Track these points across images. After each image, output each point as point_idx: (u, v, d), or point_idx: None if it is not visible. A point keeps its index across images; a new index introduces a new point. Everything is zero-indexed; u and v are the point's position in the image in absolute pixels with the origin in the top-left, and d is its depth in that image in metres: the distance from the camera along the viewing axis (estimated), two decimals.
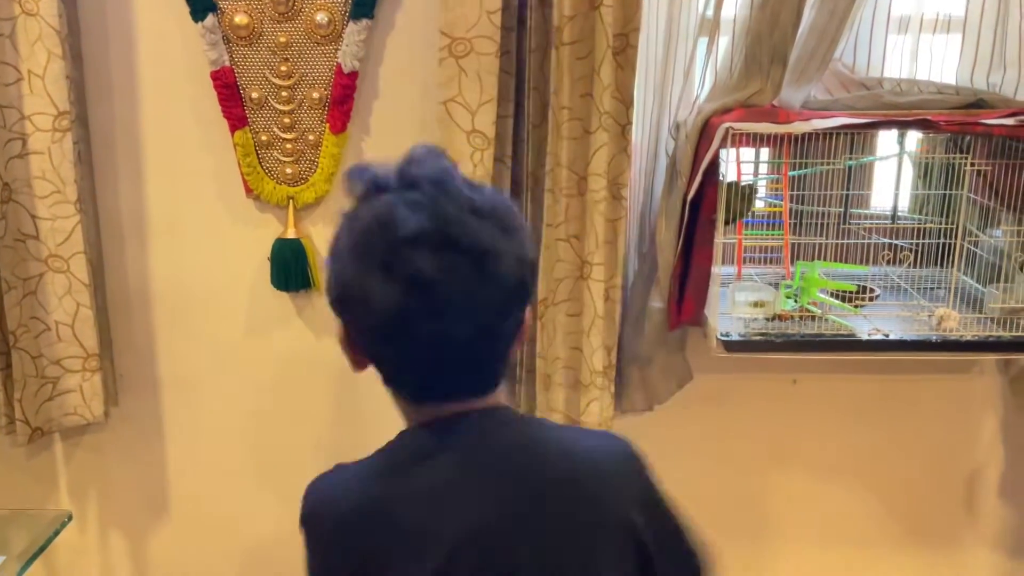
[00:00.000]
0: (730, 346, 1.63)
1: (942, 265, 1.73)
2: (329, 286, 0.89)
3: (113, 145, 1.80)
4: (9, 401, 1.80)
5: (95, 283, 1.78)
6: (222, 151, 1.78)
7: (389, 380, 0.90)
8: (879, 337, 1.64)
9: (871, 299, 1.73)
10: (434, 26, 1.65)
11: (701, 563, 0.98)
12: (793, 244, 1.73)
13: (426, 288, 0.80)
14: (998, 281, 1.69)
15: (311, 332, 1.90)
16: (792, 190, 1.73)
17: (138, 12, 1.74)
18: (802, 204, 1.77)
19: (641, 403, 1.86)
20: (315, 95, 1.73)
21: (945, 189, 1.75)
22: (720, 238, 1.62)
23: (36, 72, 1.64)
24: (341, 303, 0.87)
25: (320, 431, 1.95)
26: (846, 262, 1.80)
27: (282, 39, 1.70)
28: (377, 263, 0.81)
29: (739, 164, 1.63)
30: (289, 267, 1.81)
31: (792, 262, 1.72)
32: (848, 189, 1.82)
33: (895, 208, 1.87)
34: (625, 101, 1.63)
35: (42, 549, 1.53)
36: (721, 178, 1.60)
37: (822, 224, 1.76)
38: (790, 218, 1.72)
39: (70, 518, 1.64)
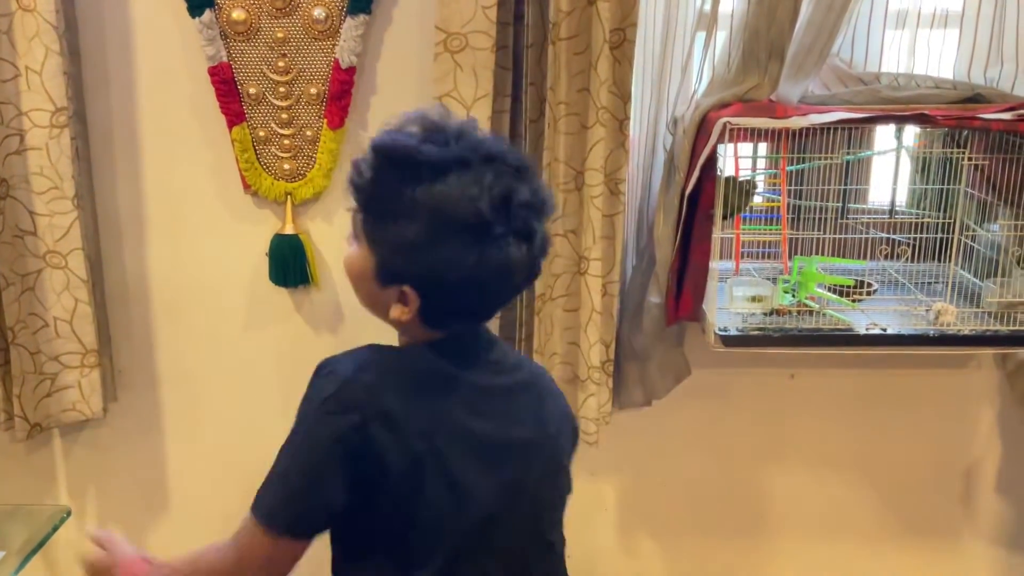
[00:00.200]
0: (728, 341, 1.63)
1: (940, 260, 1.73)
2: (428, 260, 0.95)
3: (111, 141, 1.80)
4: (8, 397, 1.80)
5: (93, 279, 1.78)
6: (220, 147, 1.78)
7: (451, 314, 1.01)
8: (877, 332, 1.65)
9: (869, 294, 1.74)
10: (431, 21, 1.65)
11: None
12: (791, 239, 1.74)
13: (530, 239, 0.98)
14: (996, 276, 1.69)
15: (310, 327, 1.90)
16: (790, 185, 1.73)
17: (135, 8, 1.74)
18: (800, 199, 1.77)
19: (639, 398, 1.86)
20: (313, 91, 1.73)
21: (943, 184, 1.75)
22: (718, 233, 1.62)
23: (33, 68, 1.64)
24: (439, 275, 0.96)
25: None
26: (844, 257, 1.80)
27: (279, 35, 1.70)
28: (502, 224, 0.94)
29: (737, 159, 1.63)
30: (287, 263, 1.81)
31: (790, 257, 1.73)
32: (846, 184, 1.82)
33: (893, 203, 1.87)
34: (622, 96, 1.63)
35: (41, 544, 1.54)
36: (719, 173, 1.60)
37: (820, 219, 1.75)
38: (788, 213, 1.72)
39: (69, 514, 1.64)
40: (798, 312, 1.67)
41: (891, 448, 1.98)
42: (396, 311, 0.99)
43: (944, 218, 1.72)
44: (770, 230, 1.75)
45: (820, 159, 1.72)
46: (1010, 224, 1.66)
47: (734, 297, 1.70)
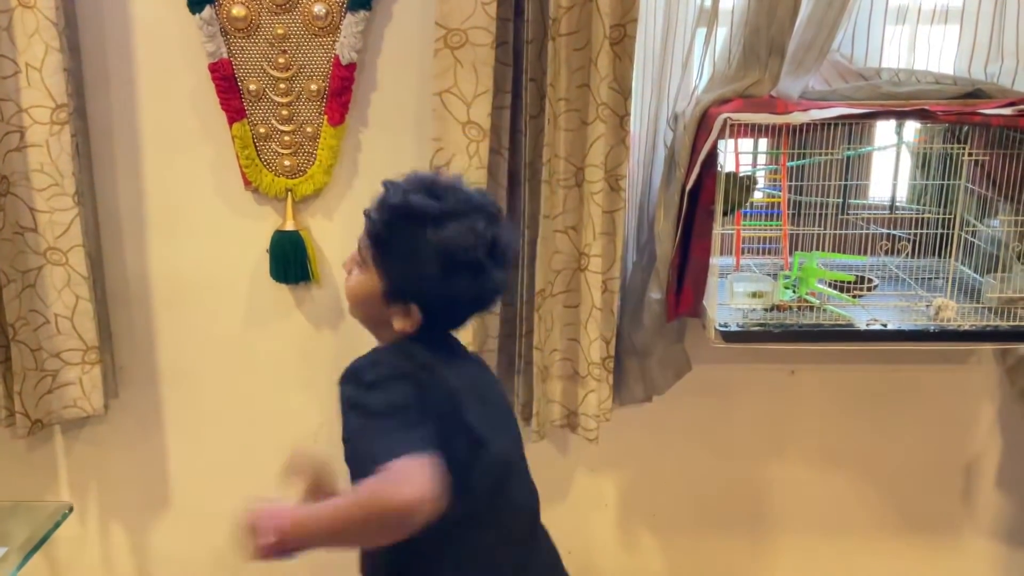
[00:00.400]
0: (728, 337, 1.63)
1: (940, 255, 1.73)
2: (438, 289, 1.17)
3: (111, 138, 1.80)
4: (9, 394, 1.80)
5: (94, 276, 1.78)
6: (220, 143, 1.78)
7: (439, 326, 1.23)
8: (877, 327, 1.65)
9: (869, 289, 1.74)
10: (432, 17, 1.65)
11: None
12: (791, 234, 1.74)
13: (509, 269, 1.26)
14: (996, 271, 1.69)
15: (310, 324, 1.90)
16: (790, 180, 1.73)
17: (135, 4, 1.74)
18: (800, 194, 1.77)
19: (640, 394, 1.86)
20: (313, 87, 1.73)
21: (943, 179, 1.75)
22: (718, 229, 1.62)
23: (33, 65, 1.64)
24: (445, 298, 1.19)
25: (318, 422, 1.95)
26: (844, 252, 1.80)
27: (280, 31, 1.70)
28: (492, 261, 1.18)
29: (737, 155, 1.63)
30: (288, 259, 1.81)
31: (790, 252, 1.72)
32: (846, 179, 1.82)
33: (893, 198, 1.87)
34: (623, 92, 1.63)
35: (43, 541, 1.54)
36: (719, 169, 1.60)
37: (820, 214, 1.75)
38: (788, 208, 1.72)
39: (71, 510, 1.64)
40: (798, 308, 1.67)
41: (891, 444, 1.98)
42: (400, 323, 1.20)
43: (944, 214, 1.72)
44: (771, 226, 1.75)
45: (821, 155, 1.72)
46: (1010, 220, 1.66)
47: (735, 293, 1.70)
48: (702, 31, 1.70)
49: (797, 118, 1.56)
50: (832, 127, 1.65)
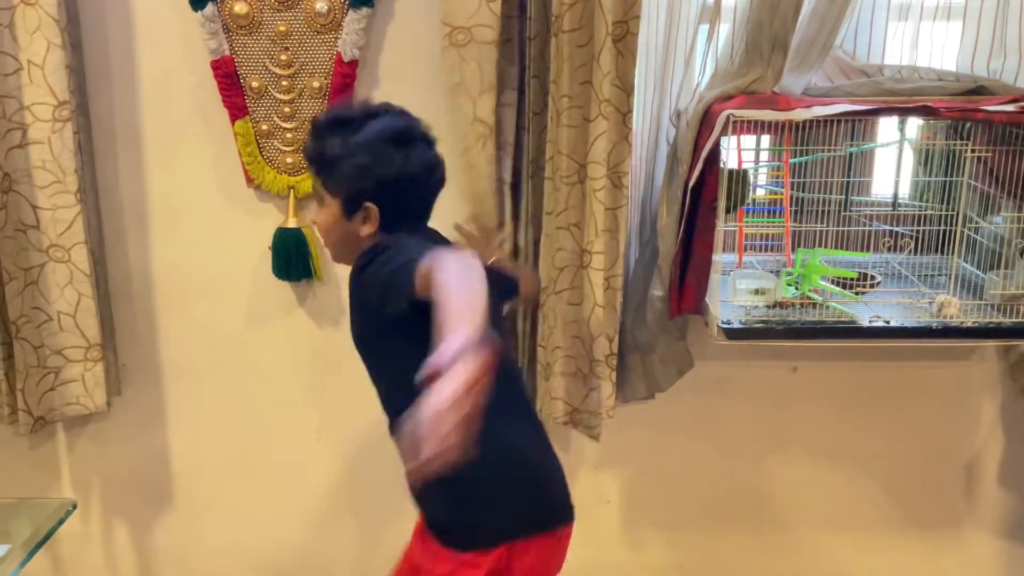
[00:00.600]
0: (731, 334, 1.63)
1: (943, 252, 1.73)
2: (376, 172, 1.29)
3: (114, 135, 1.80)
4: (11, 391, 1.80)
5: (96, 273, 1.78)
6: (222, 141, 1.78)
7: (400, 217, 1.32)
8: (880, 324, 1.65)
9: (872, 286, 1.74)
10: (434, 14, 1.65)
11: None
12: (794, 231, 1.74)
13: (434, 146, 1.37)
14: (998, 268, 1.69)
15: (312, 321, 1.90)
16: (793, 177, 1.73)
17: (138, 1, 1.74)
18: (803, 191, 1.77)
19: (643, 391, 1.86)
20: (315, 84, 1.73)
21: (946, 176, 1.75)
22: (721, 226, 1.63)
23: (36, 62, 1.64)
24: (385, 178, 1.29)
25: (321, 419, 1.96)
26: (847, 249, 1.80)
27: (282, 28, 1.70)
28: (420, 142, 1.33)
29: (740, 151, 1.63)
30: (290, 256, 1.81)
31: (793, 249, 1.72)
32: (849, 176, 1.82)
33: (896, 195, 1.87)
34: (625, 89, 1.63)
35: (46, 538, 1.54)
36: (722, 165, 1.60)
37: (823, 211, 1.75)
38: (791, 205, 1.72)
39: (74, 507, 1.64)
40: (801, 305, 1.67)
41: (893, 440, 1.98)
42: (364, 229, 1.31)
43: (947, 210, 1.72)
44: (773, 223, 1.75)
45: (823, 151, 1.72)
46: (1013, 216, 1.66)
47: (737, 290, 1.70)
48: (705, 27, 1.70)
49: (800, 115, 1.56)
50: (835, 124, 1.65)
